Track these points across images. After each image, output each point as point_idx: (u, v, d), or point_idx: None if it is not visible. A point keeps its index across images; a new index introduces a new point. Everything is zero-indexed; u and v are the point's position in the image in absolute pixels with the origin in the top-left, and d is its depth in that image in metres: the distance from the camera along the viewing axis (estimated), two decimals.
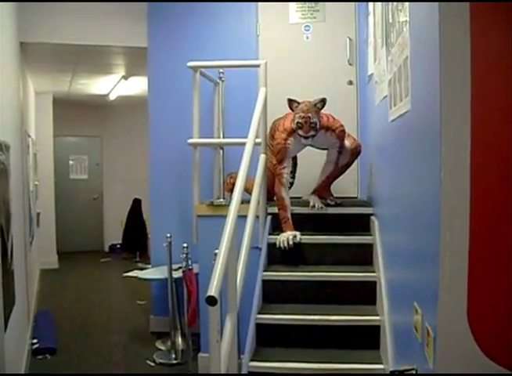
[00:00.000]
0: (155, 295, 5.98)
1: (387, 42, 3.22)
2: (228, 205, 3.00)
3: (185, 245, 4.87)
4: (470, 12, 1.82)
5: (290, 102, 4.12)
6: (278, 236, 4.12)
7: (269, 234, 4.27)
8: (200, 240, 4.62)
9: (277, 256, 4.20)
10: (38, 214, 8.44)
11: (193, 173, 4.75)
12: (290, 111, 4.19)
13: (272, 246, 4.19)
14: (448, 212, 1.86)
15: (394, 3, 2.92)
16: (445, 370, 1.91)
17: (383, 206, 3.82)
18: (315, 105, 4.05)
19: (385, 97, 3.31)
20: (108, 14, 5.83)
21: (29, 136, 6.87)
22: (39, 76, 8.09)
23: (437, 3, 1.89)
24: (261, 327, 3.71)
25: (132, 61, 7.06)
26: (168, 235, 5.13)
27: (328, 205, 4.50)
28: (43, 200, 9.32)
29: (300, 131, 4.05)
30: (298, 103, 4.10)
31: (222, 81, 4.97)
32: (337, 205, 4.51)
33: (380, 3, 3.61)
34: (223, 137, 4.87)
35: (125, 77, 8.22)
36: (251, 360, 3.50)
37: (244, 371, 3.41)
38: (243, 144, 3.66)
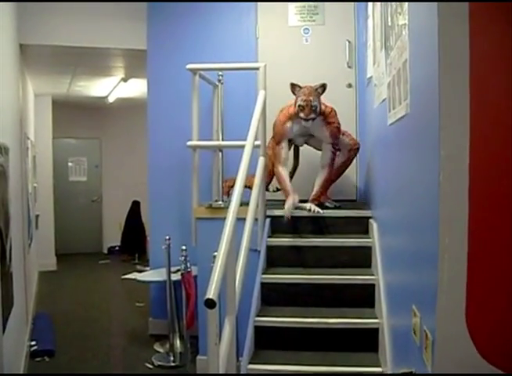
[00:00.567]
0: (154, 298, 5.98)
1: (386, 45, 3.23)
2: (227, 208, 3.00)
3: (183, 247, 4.87)
4: (470, 16, 1.83)
5: (293, 86, 4.35)
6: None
7: (268, 237, 4.27)
8: (198, 243, 4.62)
9: (276, 259, 4.21)
10: (37, 216, 8.43)
11: (192, 175, 4.74)
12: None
13: (270, 248, 4.20)
14: (447, 216, 1.86)
15: (394, 6, 2.93)
16: (444, 373, 1.91)
17: (382, 209, 3.83)
18: (316, 90, 4.28)
19: (384, 100, 3.31)
20: (107, 16, 5.84)
21: (28, 138, 6.87)
22: (38, 78, 8.09)
23: (436, 6, 1.90)
24: (259, 330, 3.71)
25: (132, 63, 7.06)
26: (167, 237, 5.13)
27: (327, 208, 4.51)
28: (42, 202, 9.31)
29: (301, 114, 4.27)
30: (300, 88, 4.31)
31: (221, 83, 4.97)
32: (335, 208, 4.52)
33: (379, 6, 3.62)
34: (222, 140, 4.87)
35: (124, 80, 8.23)
36: (250, 363, 3.50)
37: None
38: (243, 147, 3.66)
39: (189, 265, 4.89)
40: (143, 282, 5.73)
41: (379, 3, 3.63)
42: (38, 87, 8.78)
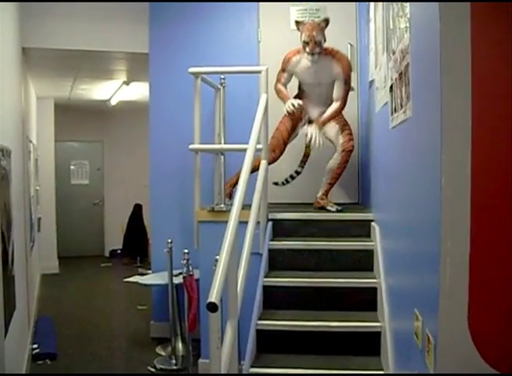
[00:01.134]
0: (155, 301, 5.98)
1: (388, 49, 3.23)
2: (229, 211, 3.01)
3: (185, 251, 4.87)
4: (471, 19, 1.83)
5: (297, 23, 4.54)
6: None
7: (270, 240, 4.27)
8: (200, 246, 4.62)
9: (278, 262, 4.21)
10: (39, 219, 8.44)
11: (194, 179, 4.75)
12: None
13: (272, 252, 4.20)
14: (449, 219, 1.86)
15: (395, 9, 2.93)
16: None
17: (384, 212, 3.83)
18: (319, 24, 4.47)
19: (386, 104, 3.31)
20: (110, 20, 5.86)
21: (30, 141, 6.88)
22: (41, 81, 8.10)
23: (437, 10, 1.90)
24: (261, 333, 3.71)
25: (134, 67, 7.08)
26: (169, 240, 5.13)
27: (329, 211, 4.52)
28: (44, 205, 9.33)
29: (307, 49, 4.45)
30: (304, 24, 4.51)
31: (223, 86, 4.98)
32: (338, 211, 4.52)
33: (380, 10, 3.62)
34: (224, 143, 4.87)
35: (127, 83, 8.24)
36: (251, 366, 3.50)
37: None
38: (244, 150, 3.66)
39: (191, 268, 4.88)
40: (145, 285, 5.73)
41: (380, 7, 3.63)
42: (40, 90, 8.79)
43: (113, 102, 9.77)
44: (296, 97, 4.69)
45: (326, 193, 4.66)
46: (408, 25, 2.56)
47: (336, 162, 4.60)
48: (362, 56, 5.09)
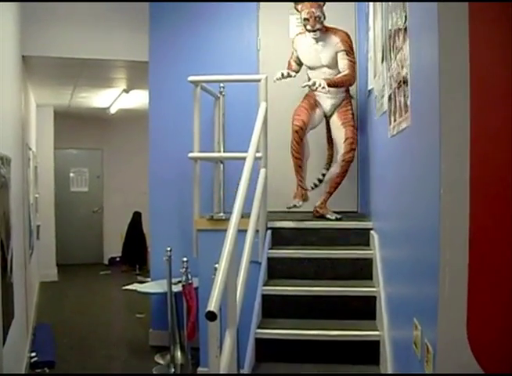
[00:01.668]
0: (154, 309, 5.97)
1: (387, 58, 3.24)
2: (228, 219, 3.01)
3: (185, 259, 4.87)
4: (470, 29, 1.84)
5: (296, 3, 4.66)
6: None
7: (269, 249, 4.27)
8: (199, 254, 4.62)
9: (277, 271, 4.21)
10: (38, 226, 8.45)
11: (193, 187, 4.75)
12: None
13: (271, 260, 4.20)
14: (448, 229, 1.86)
15: (394, 19, 2.94)
16: None
17: (383, 220, 3.83)
18: (317, 1, 4.58)
19: (385, 112, 3.32)
20: (110, 28, 5.88)
21: (30, 149, 6.88)
22: (40, 89, 8.12)
23: (436, 19, 1.90)
24: (260, 342, 3.70)
25: (133, 75, 7.09)
26: (168, 249, 5.13)
27: (328, 220, 4.52)
28: (43, 213, 9.32)
29: (308, 26, 4.57)
30: (302, 2, 4.61)
31: (223, 95, 4.98)
32: (337, 220, 4.53)
33: (379, 19, 3.63)
34: (223, 151, 4.87)
35: (126, 91, 8.25)
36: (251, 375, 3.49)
37: None
38: (244, 158, 3.67)
39: (190, 276, 4.88)
40: (144, 293, 5.72)
41: (379, 15, 3.64)
42: (40, 97, 8.81)
43: (113, 110, 9.79)
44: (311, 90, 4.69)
45: (325, 202, 4.67)
46: (406, 34, 2.57)
47: (335, 171, 4.62)
48: (362, 65, 5.09)
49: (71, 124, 10.83)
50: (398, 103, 2.80)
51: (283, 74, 4.63)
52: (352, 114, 4.70)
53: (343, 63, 4.59)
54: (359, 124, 5.24)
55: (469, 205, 1.83)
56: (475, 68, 1.83)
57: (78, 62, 6.16)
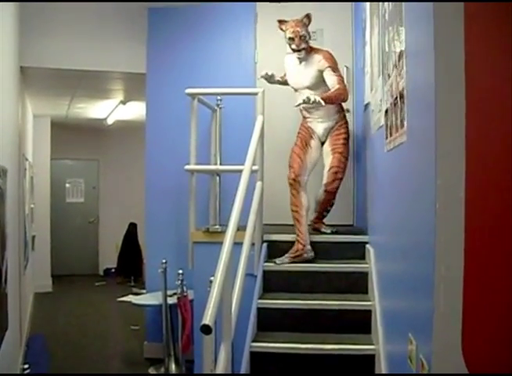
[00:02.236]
0: (149, 321, 5.95)
1: (384, 72, 3.25)
2: (224, 232, 3.01)
3: (180, 271, 4.86)
4: (465, 45, 1.85)
5: (280, 22, 4.53)
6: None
7: (265, 261, 4.27)
8: (195, 267, 4.61)
9: (273, 284, 4.20)
10: (34, 237, 8.42)
11: (190, 199, 4.75)
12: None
13: (267, 273, 4.19)
14: (443, 244, 1.86)
15: (391, 34, 2.96)
16: None
17: (378, 235, 3.83)
18: (302, 20, 4.45)
19: (381, 127, 3.33)
20: (107, 40, 5.90)
21: (26, 159, 6.88)
22: (38, 99, 8.13)
23: (433, 34, 1.92)
24: (255, 356, 3.69)
25: (131, 86, 7.12)
26: (164, 261, 5.12)
27: (324, 233, 4.53)
28: (39, 223, 9.30)
29: (293, 46, 4.43)
30: (286, 22, 4.50)
31: (220, 108, 5.00)
32: (332, 233, 4.53)
33: (376, 33, 3.65)
34: (220, 164, 4.88)
35: (123, 102, 8.27)
36: None
37: None
38: (240, 171, 3.67)
39: (185, 289, 4.87)
40: (139, 305, 5.71)
41: (376, 30, 3.66)
42: (37, 108, 8.82)
43: (110, 121, 9.81)
44: (304, 118, 4.56)
45: (318, 219, 4.66)
46: (403, 49, 2.59)
47: (321, 198, 4.49)
48: (358, 79, 5.12)
49: (68, 134, 10.85)
50: (394, 118, 2.81)
51: (267, 74, 4.63)
52: (345, 139, 4.48)
53: (332, 79, 4.35)
54: (355, 138, 5.26)
55: (464, 220, 1.84)
56: (471, 84, 1.84)
57: (76, 73, 6.18)
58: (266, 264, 4.25)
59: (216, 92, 4.95)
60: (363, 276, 4.10)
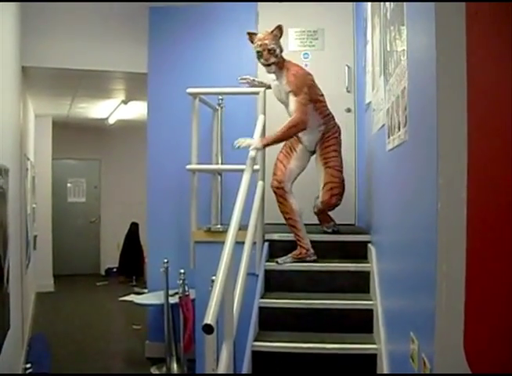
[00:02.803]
0: (151, 320, 5.95)
1: (385, 72, 3.25)
2: (226, 231, 3.01)
3: (181, 271, 4.86)
4: (467, 43, 1.85)
5: (250, 35, 4.24)
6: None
7: (266, 261, 4.27)
8: (197, 266, 4.61)
9: (274, 283, 4.20)
10: (35, 236, 8.42)
11: (191, 199, 4.75)
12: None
13: (268, 273, 4.19)
14: (445, 243, 1.86)
15: (393, 33, 2.96)
16: None
17: (380, 234, 3.83)
18: (272, 32, 4.14)
19: (383, 126, 3.33)
20: (109, 40, 5.91)
21: (28, 159, 6.88)
22: (39, 99, 8.14)
23: (434, 34, 1.91)
24: (257, 355, 3.69)
25: (132, 86, 7.12)
26: (165, 260, 5.12)
27: (325, 232, 4.52)
28: (40, 223, 9.30)
29: (261, 60, 4.14)
30: (255, 34, 4.22)
31: (221, 107, 5.00)
32: (334, 233, 4.52)
33: (378, 32, 3.65)
34: (221, 163, 4.88)
35: (125, 102, 8.27)
36: None
37: None
38: (242, 170, 3.67)
39: (187, 288, 4.87)
40: (140, 305, 5.71)
41: (378, 29, 3.66)
42: (39, 108, 8.82)
43: (111, 120, 9.81)
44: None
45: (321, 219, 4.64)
46: (405, 48, 2.58)
47: (319, 208, 4.40)
48: (360, 78, 5.12)
49: (69, 134, 10.84)
50: (395, 117, 2.81)
51: (252, 80, 4.52)
52: (335, 150, 4.28)
53: (291, 106, 4.08)
54: (357, 138, 5.26)
55: (466, 219, 1.83)
56: (473, 82, 1.84)
57: (77, 73, 6.18)
58: (268, 263, 4.24)
59: (217, 92, 4.95)
60: (365, 276, 4.10)
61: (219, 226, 4.61)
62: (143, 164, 6.09)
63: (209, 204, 4.93)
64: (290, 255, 4.21)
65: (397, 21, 2.79)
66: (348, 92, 5.38)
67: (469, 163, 1.82)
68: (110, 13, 5.89)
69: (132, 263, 10.55)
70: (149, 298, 5.65)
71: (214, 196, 4.88)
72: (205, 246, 4.50)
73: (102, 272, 11.51)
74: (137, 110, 8.67)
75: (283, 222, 4.45)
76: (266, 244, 4.39)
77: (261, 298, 4.02)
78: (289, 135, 4.07)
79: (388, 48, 3.14)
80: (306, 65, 5.41)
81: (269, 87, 4.49)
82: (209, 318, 2.31)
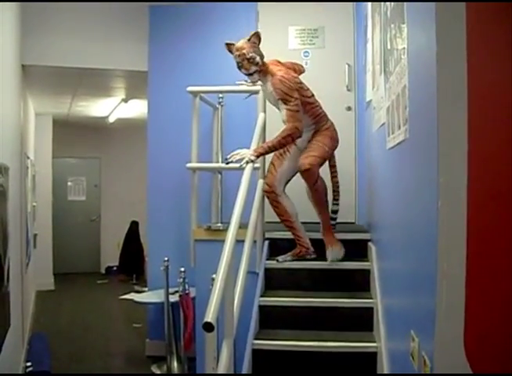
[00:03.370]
0: (151, 319, 5.95)
1: (386, 70, 3.25)
2: (226, 230, 3.01)
3: (182, 269, 4.86)
4: (467, 41, 1.85)
5: (228, 46, 4.08)
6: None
7: (267, 259, 4.27)
8: (197, 265, 4.61)
9: (274, 281, 4.20)
10: (35, 235, 8.43)
11: (191, 197, 4.75)
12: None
13: (269, 271, 4.20)
14: (446, 241, 1.86)
15: (393, 31, 2.96)
16: None
17: (380, 232, 3.83)
18: (249, 39, 4.02)
19: (383, 124, 3.33)
20: (109, 38, 5.90)
21: (28, 157, 6.88)
22: (40, 97, 8.13)
23: (434, 32, 1.91)
24: (257, 353, 3.69)
25: (132, 84, 7.11)
26: (166, 258, 5.12)
27: None
28: (40, 222, 9.31)
29: (243, 70, 4.01)
30: (233, 44, 4.06)
31: (222, 105, 5.00)
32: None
33: (378, 31, 3.65)
34: (222, 162, 4.88)
35: (125, 100, 8.27)
36: None
37: None
38: (242, 169, 3.67)
39: (187, 286, 4.87)
40: (141, 303, 5.71)
41: (378, 28, 3.66)
42: (39, 106, 8.82)
43: (112, 119, 9.81)
44: None
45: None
46: (405, 46, 2.58)
47: (310, 194, 4.25)
48: (360, 76, 5.12)
49: (70, 133, 10.84)
50: (396, 116, 2.81)
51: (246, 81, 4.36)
52: (321, 142, 4.14)
53: (283, 114, 3.96)
54: (357, 136, 5.26)
55: (466, 218, 1.83)
56: (473, 81, 1.84)
57: (77, 71, 6.18)
58: (268, 262, 4.25)
59: (217, 90, 4.95)
60: (365, 274, 4.10)
61: (219, 225, 4.62)
62: (143, 162, 6.09)
63: (209, 203, 4.94)
64: (290, 253, 4.22)
65: (397, 19, 2.79)
66: (349, 90, 5.38)
67: (469, 161, 1.82)
68: (111, 12, 5.89)
69: (132, 261, 10.55)
70: (150, 296, 5.65)
71: (214, 194, 4.89)
72: (205, 244, 4.50)
73: (103, 271, 11.52)
74: (137, 108, 8.67)
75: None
76: (266, 242, 4.39)
77: (262, 296, 4.02)
78: (284, 143, 3.97)
79: (389, 47, 3.14)
80: (306, 63, 5.42)
81: None
82: (209, 316, 2.31)
